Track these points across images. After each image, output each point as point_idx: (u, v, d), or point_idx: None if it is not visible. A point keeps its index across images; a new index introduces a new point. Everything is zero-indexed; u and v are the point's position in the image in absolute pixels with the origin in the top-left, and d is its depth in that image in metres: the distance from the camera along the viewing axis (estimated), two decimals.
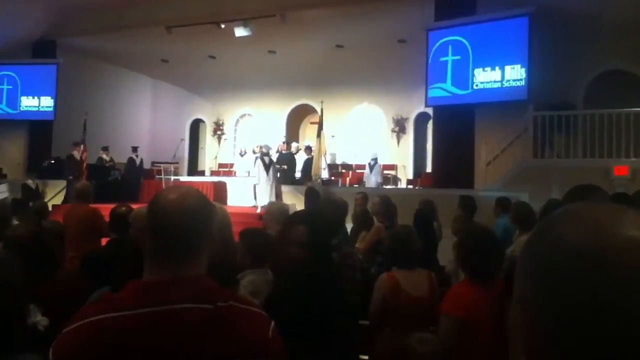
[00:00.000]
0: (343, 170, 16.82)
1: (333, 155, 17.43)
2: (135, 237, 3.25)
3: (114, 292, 1.33)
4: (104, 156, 15.09)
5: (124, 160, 15.63)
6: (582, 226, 0.58)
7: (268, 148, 12.54)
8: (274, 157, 13.85)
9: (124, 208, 3.99)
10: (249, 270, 2.90)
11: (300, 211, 3.69)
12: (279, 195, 12.25)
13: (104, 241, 5.65)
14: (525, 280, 0.61)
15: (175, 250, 1.31)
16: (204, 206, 1.39)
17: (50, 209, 8.43)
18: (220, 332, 1.26)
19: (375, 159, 14.93)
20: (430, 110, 13.82)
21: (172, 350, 1.21)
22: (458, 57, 12.21)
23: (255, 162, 12.67)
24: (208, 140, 20.93)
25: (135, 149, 15.67)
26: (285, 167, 13.52)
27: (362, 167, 16.43)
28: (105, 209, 5.23)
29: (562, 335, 0.56)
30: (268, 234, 3.23)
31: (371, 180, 14.63)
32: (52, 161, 15.24)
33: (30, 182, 13.71)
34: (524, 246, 0.65)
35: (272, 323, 1.37)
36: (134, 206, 3.99)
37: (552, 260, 0.58)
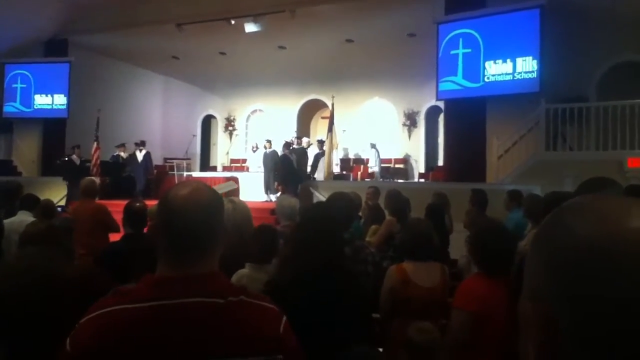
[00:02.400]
0: (354, 165, 16.80)
1: (345, 150, 17.43)
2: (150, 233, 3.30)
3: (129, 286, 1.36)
4: (121, 153, 15.19)
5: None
6: (592, 218, 0.58)
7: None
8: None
9: (138, 204, 4.04)
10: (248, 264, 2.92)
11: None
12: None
13: (112, 236, 5.71)
14: (535, 272, 0.62)
15: (187, 246, 1.32)
16: (214, 201, 1.40)
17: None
18: (231, 326, 1.28)
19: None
20: (441, 104, 13.76)
21: (183, 342, 1.24)
22: (469, 50, 12.13)
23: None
24: (220, 136, 21.01)
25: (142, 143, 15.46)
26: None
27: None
28: (119, 205, 5.27)
29: (572, 326, 0.56)
30: (275, 230, 3.26)
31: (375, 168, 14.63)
32: (66, 159, 15.34)
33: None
34: (534, 238, 0.65)
35: (284, 318, 1.38)
36: (149, 202, 4.04)
37: (562, 252, 0.58)
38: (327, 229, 2.38)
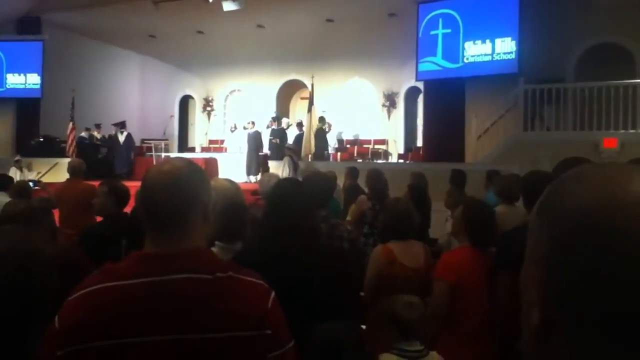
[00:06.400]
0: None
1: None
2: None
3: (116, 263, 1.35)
4: (95, 133, 14.99)
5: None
6: (594, 185, 0.59)
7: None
8: (266, 133, 13.88)
9: (116, 185, 4.00)
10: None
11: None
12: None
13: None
14: (538, 238, 0.62)
15: (168, 222, 1.32)
16: (194, 177, 1.39)
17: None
18: (219, 302, 1.28)
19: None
20: (420, 85, 13.79)
21: (171, 318, 1.24)
22: (448, 31, 12.15)
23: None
24: (198, 116, 20.80)
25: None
26: (277, 140, 13.57)
27: (351, 141, 16.43)
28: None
29: (575, 291, 0.57)
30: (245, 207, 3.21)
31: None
32: (41, 139, 15.09)
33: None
34: (538, 206, 0.65)
35: (272, 294, 1.38)
36: (127, 183, 4.00)
37: (565, 218, 0.59)
38: (296, 195, 2.38)
